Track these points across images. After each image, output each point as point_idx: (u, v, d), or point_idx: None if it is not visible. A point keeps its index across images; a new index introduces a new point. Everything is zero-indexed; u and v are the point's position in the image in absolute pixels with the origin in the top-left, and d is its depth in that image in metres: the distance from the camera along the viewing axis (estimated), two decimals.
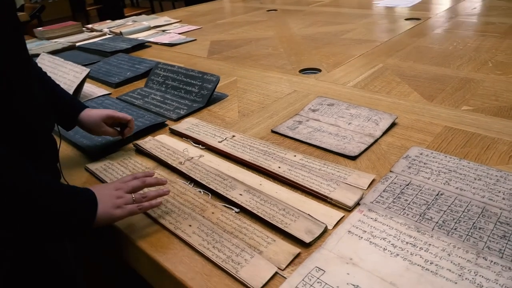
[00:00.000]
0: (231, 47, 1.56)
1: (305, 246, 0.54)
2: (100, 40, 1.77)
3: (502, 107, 0.90)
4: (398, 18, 1.83)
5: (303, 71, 1.24)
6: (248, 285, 0.49)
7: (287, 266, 0.51)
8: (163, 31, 1.91)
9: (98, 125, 0.78)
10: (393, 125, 0.85)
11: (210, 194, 0.67)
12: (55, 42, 1.79)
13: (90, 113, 0.78)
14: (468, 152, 0.73)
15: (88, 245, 0.79)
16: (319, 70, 1.23)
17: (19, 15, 2.65)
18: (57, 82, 1.15)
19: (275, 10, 2.26)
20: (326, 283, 0.47)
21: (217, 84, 1.04)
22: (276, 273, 0.50)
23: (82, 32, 1.99)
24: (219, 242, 0.56)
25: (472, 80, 1.06)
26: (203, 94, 1.04)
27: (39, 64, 1.26)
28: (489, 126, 0.82)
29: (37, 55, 1.33)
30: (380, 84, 1.07)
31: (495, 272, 0.47)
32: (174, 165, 0.75)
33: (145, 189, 0.64)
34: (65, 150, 0.86)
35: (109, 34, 1.92)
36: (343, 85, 1.09)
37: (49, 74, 1.20)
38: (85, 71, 1.11)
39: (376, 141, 0.79)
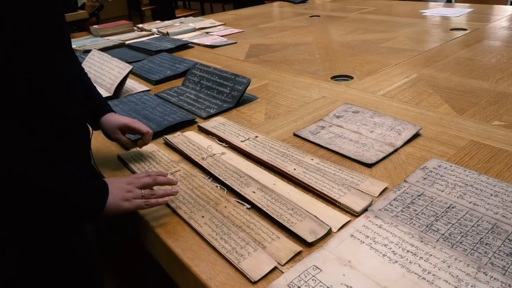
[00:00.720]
0: (269, 51, 1.60)
1: (307, 245, 0.56)
2: (148, 39, 1.88)
3: None
4: (444, 28, 1.78)
5: (335, 77, 1.25)
6: (248, 276, 0.52)
7: (286, 262, 0.53)
8: (207, 33, 1.99)
9: (113, 131, 0.80)
10: (416, 135, 0.84)
11: (225, 189, 0.71)
12: (108, 39, 1.93)
13: (111, 118, 0.81)
14: (491, 168, 0.71)
15: (109, 228, 0.86)
16: (351, 78, 1.23)
17: (79, 12, 2.86)
18: (103, 77, 1.25)
19: (318, 16, 2.27)
20: (320, 281, 0.49)
21: (247, 86, 1.08)
22: (275, 267, 0.53)
23: (133, 31, 2.12)
24: (227, 234, 0.59)
25: (509, 95, 1.02)
26: (233, 95, 1.08)
27: (89, 59, 1.38)
28: None
29: (90, 50, 1.45)
30: (411, 95, 1.06)
31: (490, 286, 0.47)
32: (196, 160, 0.80)
33: (156, 187, 0.67)
34: (103, 139, 0.94)
35: (156, 34, 2.03)
36: (373, 94, 1.09)
37: (96, 69, 1.31)
38: (128, 67, 1.20)
39: (395, 150, 0.79)
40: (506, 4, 2.63)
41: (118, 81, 1.18)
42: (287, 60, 1.46)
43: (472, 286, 0.47)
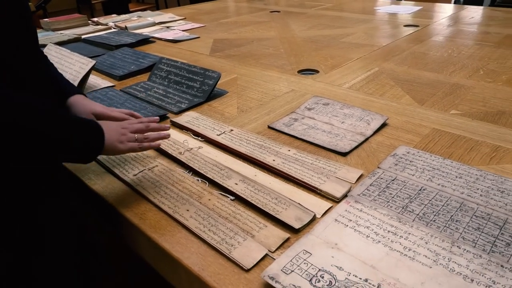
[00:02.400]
0: (233, 46, 1.61)
1: (295, 232, 0.58)
2: (105, 33, 1.81)
3: (489, 112, 0.94)
4: (398, 24, 1.88)
5: (302, 71, 1.28)
6: (240, 265, 0.53)
7: (276, 249, 0.55)
8: (168, 27, 1.95)
9: (86, 117, 0.74)
10: (384, 125, 0.89)
11: (207, 182, 0.71)
12: (61, 33, 1.83)
13: (82, 101, 0.76)
14: (453, 153, 0.77)
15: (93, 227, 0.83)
16: (317, 71, 1.27)
17: None
18: (63, 73, 1.19)
19: (278, 11, 2.30)
20: (312, 264, 0.51)
21: (218, 80, 1.08)
22: (266, 255, 0.54)
23: (87, 25, 2.03)
24: (214, 226, 0.60)
25: (461, 86, 1.10)
26: (204, 89, 1.08)
27: (46, 54, 1.30)
28: (475, 130, 0.86)
29: (44, 45, 1.37)
30: (374, 87, 1.12)
31: (467, 259, 0.51)
32: (174, 155, 0.79)
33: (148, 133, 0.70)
34: None
35: (114, 28, 1.96)
36: (339, 86, 1.13)
37: (55, 64, 1.24)
38: (91, 62, 1.15)
39: (366, 139, 0.83)
40: (449, 2, 2.82)
41: (80, 76, 1.13)
42: (253, 55, 1.47)
43: (448, 259, 0.51)
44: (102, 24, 2.03)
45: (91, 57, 1.36)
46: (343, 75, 1.22)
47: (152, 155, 0.81)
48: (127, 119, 0.76)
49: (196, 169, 0.74)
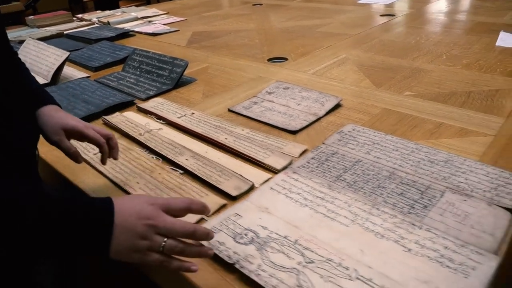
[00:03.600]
0: (211, 38, 1.65)
1: (232, 199, 0.63)
2: (88, 28, 1.86)
3: (441, 93, 0.98)
4: (374, 14, 1.91)
5: (271, 59, 1.32)
6: None
7: (213, 214, 0.60)
8: (149, 21, 1.99)
9: (54, 132, 0.61)
10: (338, 106, 0.93)
11: (161, 159, 0.76)
12: (45, 30, 1.88)
13: (53, 114, 0.63)
14: (397, 130, 0.82)
15: None
16: (286, 59, 1.31)
17: (14, 4, 2.73)
18: (39, 65, 1.24)
19: (261, 4, 2.33)
20: (239, 225, 0.55)
21: (185, 68, 1.12)
22: (202, 218, 0.59)
23: (72, 21, 2.07)
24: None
25: (422, 70, 1.14)
26: (172, 77, 1.12)
27: (24, 48, 1.35)
28: (423, 109, 0.90)
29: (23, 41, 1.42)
30: (337, 72, 1.16)
31: (382, 219, 0.56)
32: (134, 135, 0.84)
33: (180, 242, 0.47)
34: None
35: (97, 24, 2.00)
36: (304, 72, 1.17)
37: (32, 57, 1.29)
38: (65, 54, 1.19)
39: (318, 119, 0.88)
40: None
41: (55, 67, 1.18)
42: (228, 46, 1.51)
43: (366, 219, 0.56)
44: (86, 20, 2.07)
45: (70, 51, 1.41)
46: (310, 62, 1.26)
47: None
48: (101, 142, 0.62)
49: (152, 147, 0.79)
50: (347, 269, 0.48)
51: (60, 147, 0.62)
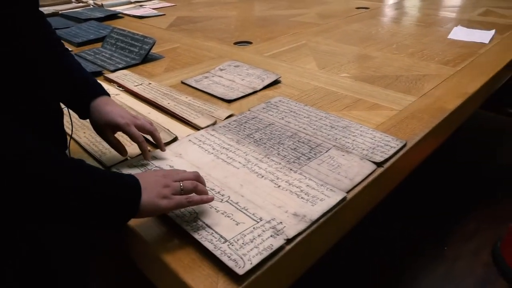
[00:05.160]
0: (191, 22, 1.77)
1: (156, 148, 0.76)
2: (82, 9, 1.99)
3: (375, 76, 1.09)
4: (351, 7, 2.01)
5: (238, 43, 1.44)
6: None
7: (136, 156, 0.73)
8: (140, 5, 2.12)
9: (101, 128, 0.67)
10: (277, 82, 1.05)
11: None
12: (42, 10, 2.02)
13: (100, 109, 0.66)
14: (318, 103, 0.93)
15: None
16: (251, 43, 1.43)
17: None
18: None
19: None
20: (153, 164, 0.68)
21: (152, 45, 1.25)
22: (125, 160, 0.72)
23: (70, 2, 2.22)
24: (100, 143, 0.77)
25: (368, 56, 1.25)
26: (141, 53, 1.25)
27: None
28: (350, 87, 1.01)
29: None
30: (290, 55, 1.27)
31: (268, 165, 0.68)
32: None
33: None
34: None
35: (92, 6, 2.14)
36: (260, 55, 1.29)
37: None
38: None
39: (255, 92, 1.00)
40: None
41: None
42: (203, 29, 1.64)
43: (255, 164, 0.68)
44: (82, 2, 2.21)
45: (60, 28, 1.55)
46: (271, 47, 1.37)
47: None
48: (140, 140, 0.66)
49: None
50: (222, 195, 0.60)
51: (109, 143, 0.68)
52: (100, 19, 1.78)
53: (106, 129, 0.67)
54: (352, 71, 1.13)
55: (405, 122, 0.83)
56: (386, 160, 0.69)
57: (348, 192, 0.62)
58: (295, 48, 1.35)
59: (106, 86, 1.05)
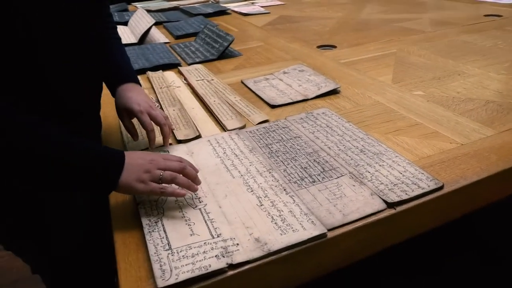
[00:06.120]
0: (289, 22, 1.76)
1: (178, 142, 0.78)
2: (198, 4, 2.17)
3: (456, 98, 0.91)
4: (479, 14, 1.71)
5: (322, 46, 1.37)
6: None
7: (156, 148, 0.76)
8: (252, 3, 2.20)
9: (119, 111, 0.73)
10: (335, 92, 0.97)
11: (159, 106, 0.95)
12: (167, 3, 2.26)
13: (125, 94, 0.72)
14: (366, 121, 0.83)
15: None
16: (335, 47, 1.35)
17: None
18: (137, 28, 1.56)
19: None
20: None
21: (230, 43, 1.28)
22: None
23: None
24: None
25: (462, 73, 1.05)
26: (219, 49, 1.30)
27: (134, 16, 1.70)
28: (415, 108, 0.87)
29: (149, 10, 1.78)
30: (368, 64, 1.16)
31: (265, 180, 0.63)
32: (155, 88, 1.05)
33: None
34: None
35: (212, 2, 2.31)
36: (336, 61, 1.20)
37: (135, 23, 1.62)
38: (152, 21, 1.49)
39: (305, 100, 0.94)
40: None
41: (142, 32, 1.48)
42: (296, 30, 1.61)
43: (252, 177, 0.64)
44: None
45: (171, 22, 1.72)
46: (353, 53, 1.27)
47: (145, 86, 1.09)
48: (148, 129, 0.69)
49: (158, 97, 0.99)
50: (200, 202, 0.59)
51: (123, 124, 0.74)
52: (208, 15, 1.91)
53: (123, 113, 0.72)
54: (430, 89, 0.97)
55: (460, 160, 0.68)
56: (404, 201, 0.58)
57: (333, 229, 0.54)
58: (380, 56, 1.22)
59: (175, 77, 1.13)
